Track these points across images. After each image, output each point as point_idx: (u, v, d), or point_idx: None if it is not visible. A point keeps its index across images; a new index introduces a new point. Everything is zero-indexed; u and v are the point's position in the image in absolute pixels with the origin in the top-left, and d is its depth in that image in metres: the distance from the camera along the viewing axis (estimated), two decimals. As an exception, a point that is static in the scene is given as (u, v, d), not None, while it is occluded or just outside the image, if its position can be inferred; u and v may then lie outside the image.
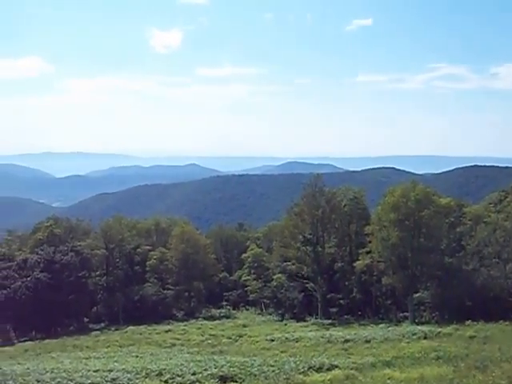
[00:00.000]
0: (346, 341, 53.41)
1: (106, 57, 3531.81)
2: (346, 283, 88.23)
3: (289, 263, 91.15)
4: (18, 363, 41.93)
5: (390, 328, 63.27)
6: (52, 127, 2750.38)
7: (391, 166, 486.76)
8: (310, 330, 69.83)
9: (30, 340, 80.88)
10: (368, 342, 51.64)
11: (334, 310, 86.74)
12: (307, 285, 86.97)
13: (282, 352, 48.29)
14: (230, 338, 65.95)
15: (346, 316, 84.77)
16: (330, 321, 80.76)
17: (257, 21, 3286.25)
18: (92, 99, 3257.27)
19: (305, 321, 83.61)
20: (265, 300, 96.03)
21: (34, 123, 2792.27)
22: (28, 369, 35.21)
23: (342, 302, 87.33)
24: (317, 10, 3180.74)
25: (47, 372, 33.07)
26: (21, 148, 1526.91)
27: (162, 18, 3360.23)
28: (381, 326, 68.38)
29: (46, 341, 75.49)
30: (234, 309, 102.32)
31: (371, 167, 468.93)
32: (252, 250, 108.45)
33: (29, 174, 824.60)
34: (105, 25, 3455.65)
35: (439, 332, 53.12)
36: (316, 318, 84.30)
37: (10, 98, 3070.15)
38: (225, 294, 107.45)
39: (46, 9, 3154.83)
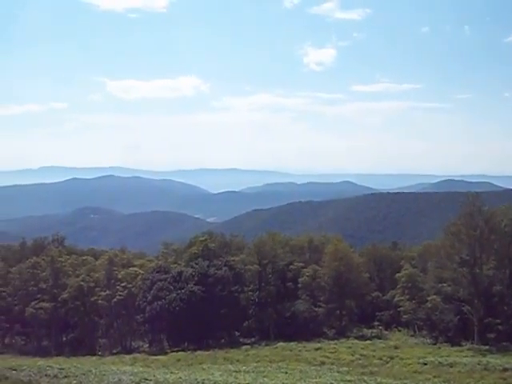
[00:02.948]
0: (505, 369, 50.98)
1: (259, 75, 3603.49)
2: (505, 308, 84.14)
3: (444, 284, 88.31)
4: (171, 372, 43.15)
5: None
6: (207, 144, 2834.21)
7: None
8: (465, 356, 67.28)
9: (183, 350, 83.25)
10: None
11: (492, 335, 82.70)
12: (463, 308, 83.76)
13: (435, 377, 46.91)
14: (381, 359, 64.74)
15: (504, 343, 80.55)
16: (486, 347, 77.15)
17: (413, 35, 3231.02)
18: (246, 117, 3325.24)
19: (460, 345, 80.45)
20: (418, 322, 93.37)
21: (191, 140, 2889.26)
22: (180, 378, 36.23)
23: (500, 327, 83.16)
24: (475, 22, 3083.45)
25: (198, 382, 33.95)
26: (177, 164, 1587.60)
27: (315, 36, 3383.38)
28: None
29: (198, 352, 77.41)
30: (385, 329, 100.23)
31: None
32: (406, 269, 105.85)
33: (185, 190, 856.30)
34: (258, 43, 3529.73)
35: None
36: (472, 343, 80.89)
37: (167, 117, 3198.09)
38: (377, 313, 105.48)
39: (201, 30, 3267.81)
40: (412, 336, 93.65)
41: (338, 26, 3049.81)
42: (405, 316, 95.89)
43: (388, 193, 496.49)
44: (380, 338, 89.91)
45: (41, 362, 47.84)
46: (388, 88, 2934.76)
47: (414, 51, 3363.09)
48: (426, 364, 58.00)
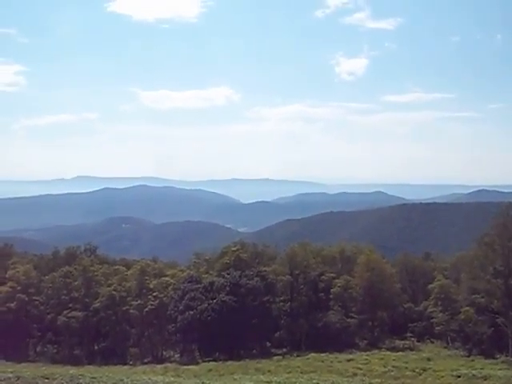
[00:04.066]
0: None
1: (291, 85, 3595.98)
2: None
3: (478, 296, 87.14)
4: (202, 382, 43.17)
5: None
6: (239, 154, 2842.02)
7: None
8: (500, 369, 66.32)
9: (214, 360, 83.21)
10: None
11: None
12: (497, 319, 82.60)
13: (469, 390, 46.18)
14: (414, 371, 64.13)
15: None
16: (522, 359, 76.07)
17: (444, 44, 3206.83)
18: (278, 127, 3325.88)
19: (494, 358, 79.28)
20: (451, 333, 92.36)
21: (223, 150, 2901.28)
22: (212, 389, 36.15)
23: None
24: (507, 31, 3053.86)
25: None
26: (209, 174, 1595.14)
27: (347, 45, 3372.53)
28: None
29: (229, 362, 77.34)
30: (418, 341, 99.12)
31: None
32: (439, 280, 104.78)
33: (217, 200, 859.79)
34: (290, 53, 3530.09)
35: None
36: (506, 356, 79.60)
37: (199, 127, 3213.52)
38: (409, 324, 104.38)
39: (232, 40, 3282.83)
40: (445, 348, 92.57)
41: (369, 35, 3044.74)
42: (438, 327, 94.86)
43: (420, 203, 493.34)
44: (412, 350, 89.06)
45: (72, 370, 48.16)
46: (419, 98, 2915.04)
47: (445, 60, 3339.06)
48: (459, 377, 57.32)
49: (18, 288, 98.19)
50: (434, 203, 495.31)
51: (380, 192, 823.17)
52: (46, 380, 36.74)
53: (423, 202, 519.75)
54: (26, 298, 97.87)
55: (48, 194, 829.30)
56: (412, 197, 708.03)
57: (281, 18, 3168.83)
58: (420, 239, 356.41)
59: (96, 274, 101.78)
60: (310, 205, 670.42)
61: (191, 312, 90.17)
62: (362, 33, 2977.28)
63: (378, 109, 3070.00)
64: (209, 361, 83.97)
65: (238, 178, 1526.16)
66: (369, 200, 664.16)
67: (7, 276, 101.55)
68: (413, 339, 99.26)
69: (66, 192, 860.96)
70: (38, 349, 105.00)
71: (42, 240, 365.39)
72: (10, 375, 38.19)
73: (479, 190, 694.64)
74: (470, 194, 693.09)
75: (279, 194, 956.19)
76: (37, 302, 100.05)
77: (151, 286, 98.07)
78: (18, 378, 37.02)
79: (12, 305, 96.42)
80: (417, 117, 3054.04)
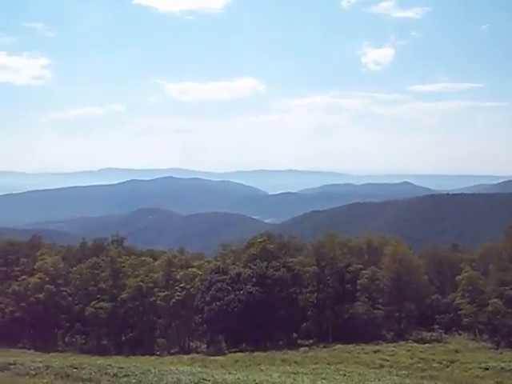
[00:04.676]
0: None
1: (317, 76, 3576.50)
2: None
3: (506, 288, 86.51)
4: (229, 373, 43.18)
5: None
6: (265, 145, 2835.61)
7: None
8: (529, 361, 65.56)
9: (240, 351, 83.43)
10: None
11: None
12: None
13: (497, 383, 45.86)
14: (441, 363, 63.72)
15: None
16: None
17: (472, 33, 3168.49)
18: (304, 118, 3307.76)
19: (523, 350, 78.68)
20: (479, 325, 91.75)
21: (248, 141, 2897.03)
22: (238, 379, 36.20)
23: None
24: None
25: (257, 383, 33.81)
26: (236, 165, 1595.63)
27: (373, 35, 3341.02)
28: None
29: (256, 353, 77.46)
30: (445, 333, 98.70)
31: None
32: (467, 272, 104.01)
33: (243, 191, 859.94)
34: (315, 44, 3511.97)
35: None
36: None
37: (225, 118, 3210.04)
38: (436, 316, 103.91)
39: (257, 31, 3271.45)
40: (473, 340, 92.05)
41: (396, 24, 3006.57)
42: (465, 319, 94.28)
43: (447, 194, 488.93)
44: (440, 342, 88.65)
45: (100, 360, 48.60)
46: (447, 87, 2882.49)
47: (473, 49, 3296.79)
48: (487, 369, 56.82)
49: (47, 279, 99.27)
50: (462, 194, 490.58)
51: (407, 183, 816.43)
52: (75, 369, 37.14)
53: (450, 192, 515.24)
54: (55, 289, 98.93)
55: (75, 186, 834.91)
56: (439, 187, 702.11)
57: (306, 8, 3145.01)
58: (447, 230, 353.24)
59: (123, 265, 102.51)
60: (335, 196, 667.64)
61: (218, 303, 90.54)
62: (388, 22, 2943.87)
63: (405, 99, 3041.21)
64: (235, 352, 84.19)
65: (265, 169, 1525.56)
66: (395, 191, 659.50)
67: (36, 267, 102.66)
68: (440, 331, 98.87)
69: (93, 184, 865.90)
70: (67, 339, 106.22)
71: (69, 231, 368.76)
72: (40, 365, 38.68)
73: (507, 181, 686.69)
74: (498, 184, 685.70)
75: (305, 185, 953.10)
76: (65, 293, 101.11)
77: (178, 277, 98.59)
78: (48, 368, 37.48)
79: (41, 296, 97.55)
80: (444, 106, 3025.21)
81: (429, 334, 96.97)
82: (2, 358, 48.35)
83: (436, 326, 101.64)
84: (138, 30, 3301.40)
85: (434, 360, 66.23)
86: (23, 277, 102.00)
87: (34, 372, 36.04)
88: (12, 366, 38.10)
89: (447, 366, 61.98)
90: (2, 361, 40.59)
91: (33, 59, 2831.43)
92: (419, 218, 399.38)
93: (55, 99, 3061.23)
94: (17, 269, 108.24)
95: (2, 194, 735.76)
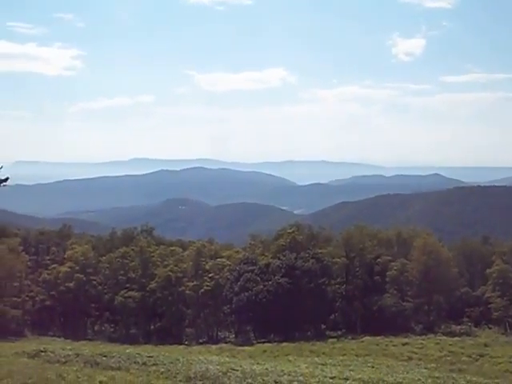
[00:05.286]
0: None
1: (347, 66, 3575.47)
2: None
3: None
4: (257, 363, 43.14)
5: None
6: (295, 136, 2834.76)
7: None
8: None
9: (269, 342, 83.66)
10: None
11: None
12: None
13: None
14: (471, 357, 63.19)
15: None
16: None
17: (504, 23, 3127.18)
18: (334, 108, 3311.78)
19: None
20: (509, 319, 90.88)
21: (278, 132, 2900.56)
22: (267, 369, 36.14)
23: None
24: None
25: (285, 374, 33.77)
26: (265, 156, 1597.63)
27: (404, 25, 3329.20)
28: None
29: (284, 344, 77.58)
30: (475, 326, 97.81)
31: None
32: (497, 265, 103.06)
33: (272, 182, 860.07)
34: (346, 34, 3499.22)
35: None
36: None
37: (255, 109, 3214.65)
38: (466, 309, 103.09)
39: (287, 21, 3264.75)
40: (503, 334, 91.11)
41: (427, 15, 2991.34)
42: (495, 313, 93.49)
43: (478, 186, 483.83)
44: (469, 335, 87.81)
45: (129, 349, 48.88)
46: (478, 78, 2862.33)
47: (506, 40, 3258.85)
48: (517, 363, 56.27)
49: (77, 268, 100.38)
50: (493, 186, 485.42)
51: (437, 175, 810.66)
52: (104, 358, 37.40)
53: (481, 184, 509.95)
54: (84, 278, 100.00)
55: (105, 176, 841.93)
56: (470, 179, 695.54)
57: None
58: (478, 223, 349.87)
59: (152, 254, 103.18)
60: (365, 187, 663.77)
61: (246, 293, 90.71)
62: (420, 12, 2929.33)
63: (436, 90, 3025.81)
64: (263, 342, 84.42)
65: (294, 159, 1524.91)
66: (426, 183, 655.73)
67: (66, 256, 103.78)
68: (470, 324, 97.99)
69: (122, 174, 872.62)
70: (96, 328, 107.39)
71: (99, 221, 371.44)
72: (70, 352, 39.04)
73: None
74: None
75: (335, 176, 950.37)
76: (95, 282, 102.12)
77: (207, 267, 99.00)
78: (77, 356, 37.80)
79: (71, 284, 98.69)
80: (475, 98, 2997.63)
81: (458, 327, 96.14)
82: (33, 345, 48.96)
83: (465, 319, 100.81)
84: (169, 20, 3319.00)
85: (463, 353, 65.72)
86: (53, 266, 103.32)
87: (64, 360, 36.30)
88: (43, 354, 38.41)
89: (476, 360, 61.48)
90: (32, 348, 41.00)
91: (64, 50, 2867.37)
92: (450, 210, 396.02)
93: (85, 89, 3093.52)
94: (47, 258, 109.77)
95: (32, 183, 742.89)
